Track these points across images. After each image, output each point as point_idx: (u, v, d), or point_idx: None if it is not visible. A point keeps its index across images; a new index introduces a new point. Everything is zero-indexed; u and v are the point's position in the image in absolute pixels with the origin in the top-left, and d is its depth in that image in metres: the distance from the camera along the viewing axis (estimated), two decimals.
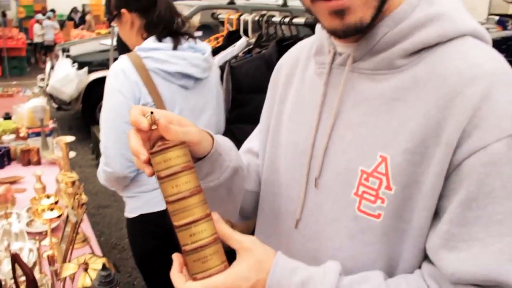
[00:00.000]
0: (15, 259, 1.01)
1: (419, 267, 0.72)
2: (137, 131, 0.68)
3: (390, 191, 0.69)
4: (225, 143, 0.82)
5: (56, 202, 1.78)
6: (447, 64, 0.67)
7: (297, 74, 0.90)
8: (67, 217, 1.63)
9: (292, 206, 0.84)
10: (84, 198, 1.59)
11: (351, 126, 0.75)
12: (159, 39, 1.70)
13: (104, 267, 1.11)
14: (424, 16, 0.69)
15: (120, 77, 1.62)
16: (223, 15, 2.67)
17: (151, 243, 1.82)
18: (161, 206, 1.71)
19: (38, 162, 2.65)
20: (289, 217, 0.85)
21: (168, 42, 1.70)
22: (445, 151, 0.65)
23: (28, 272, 0.98)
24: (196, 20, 6.78)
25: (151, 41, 1.69)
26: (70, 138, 1.92)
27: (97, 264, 1.30)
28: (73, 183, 1.70)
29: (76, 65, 5.40)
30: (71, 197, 1.68)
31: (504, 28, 10.32)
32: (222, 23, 2.79)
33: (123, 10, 1.72)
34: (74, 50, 5.80)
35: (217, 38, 2.59)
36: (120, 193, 1.83)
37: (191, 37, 1.77)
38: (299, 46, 0.96)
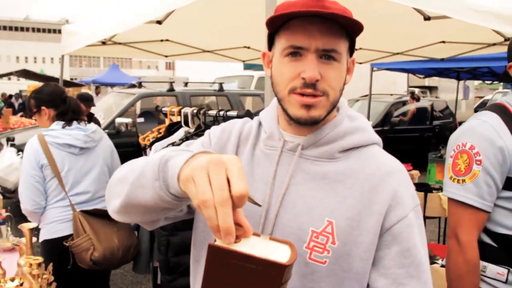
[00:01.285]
0: None
1: None
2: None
3: (334, 245, 0.99)
4: None
5: (21, 284, 1.96)
6: (370, 162, 1.05)
7: (247, 149, 1.13)
8: None
9: None
10: (51, 277, 1.80)
11: (300, 197, 1.03)
12: (58, 123, 2.64)
13: None
14: (353, 127, 1.08)
15: (28, 148, 2.58)
16: (166, 107, 3.04)
17: (50, 259, 2.39)
18: (55, 235, 2.60)
19: None
20: None
21: (59, 126, 2.61)
22: (378, 218, 0.99)
23: None
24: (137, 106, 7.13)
25: (53, 125, 2.64)
26: (33, 225, 2.14)
27: None
28: (39, 264, 1.91)
29: (21, 154, 5.51)
30: (38, 278, 1.88)
31: (416, 100, 11.34)
32: (165, 113, 3.16)
33: (43, 107, 2.67)
34: (19, 139, 5.93)
35: (159, 130, 2.96)
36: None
37: (82, 121, 2.72)
38: (248, 126, 1.18)
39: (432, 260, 4.11)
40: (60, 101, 2.68)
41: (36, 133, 2.71)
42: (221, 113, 2.53)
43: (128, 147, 5.90)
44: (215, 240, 0.75)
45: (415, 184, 5.11)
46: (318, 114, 1.00)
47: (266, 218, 1.04)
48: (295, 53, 0.99)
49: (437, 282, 4.10)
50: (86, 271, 2.61)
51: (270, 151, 1.10)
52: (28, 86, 20.96)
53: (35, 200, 2.55)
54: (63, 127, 2.62)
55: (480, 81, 15.85)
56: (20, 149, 5.83)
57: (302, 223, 1.01)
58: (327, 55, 0.99)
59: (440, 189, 4.84)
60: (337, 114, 1.09)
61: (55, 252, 2.58)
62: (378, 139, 1.12)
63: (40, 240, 2.67)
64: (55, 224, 2.61)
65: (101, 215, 2.59)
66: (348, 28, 1.00)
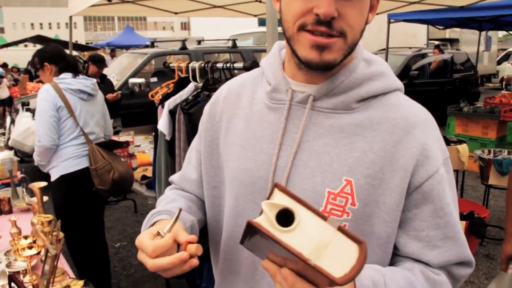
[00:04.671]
0: (12, 279, 1.24)
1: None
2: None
3: (354, 207, 0.88)
4: (185, 217, 0.99)
5: (34, 242, 1.98)
6: (395, 111, 0.91)
7: (242, 108, 1.02)
8: (46, 253, 1.84)
9: None
10: (61, 234, 1.81)
11: (314, 155, 0.90)
12: (67, 74, 3.05)
13: (86, 283, 1.34)
14: (371, 72, 0.93)
15: (45, 93, 2.91)
16: (174, 63, 2.99)
17: (66, 195, 3.00)
18: (71, 169, 2.98)
19: (10, 211, 2.81)
20: None
21: (69, 75, 3.03)
22: (403, 175, 0.87)
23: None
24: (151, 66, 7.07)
25: (63, 75, 3.03)
26: (43, 184, 2.14)
27: (77, 285, 1.52)
28: (49, 222, 1.92)
29: None
30: (49, 235, 1.90)
31: (441, 51, 11.03)
32: (174, 70, 3.10)
33: (46, 63, 3.05)
34: (34, 103, 5.95)
35: (168, 85, 2.92)
36: (44, 169, 3.06)
37: (81, 74, 3.17)
38: (237, 83, 1.09)
39: None
40: (60, 58, 3.09)
41: None
42: (228, 65, 2.46)
43: (142, 108, 5.90)
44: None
45: None
46: (333, 57, 0.85)
47: (273, 182, 0.93)
48: None
49: None
50: (94, 199, 3.14)
51: (277, 105, 0.96)
52: None
53: (52, 137, 2.90)
54: (73, 77, 3.05)
55: (504, 33, 15.30)
56: (35, 113, 5.89)
57: (317, 184, 0.89)
58: None
59: (458, 142, 4.74)
60: (353, 58, 0.94)
61: (73, 184, 3.02)
62: (400, 84, 0.97)
63: (55, 177, 3.02)
64: (72, 160, 3.01)
65: (108, 146, 3.15)
66: None
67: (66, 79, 3.02)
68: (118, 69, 7.35)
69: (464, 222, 3.82)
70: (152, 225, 0.94)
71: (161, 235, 0.83)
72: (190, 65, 2.69)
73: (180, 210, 0.87)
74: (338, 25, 0.82)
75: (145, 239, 0.83)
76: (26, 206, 2.84)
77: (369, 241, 0.88)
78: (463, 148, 4.47)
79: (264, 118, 0.98)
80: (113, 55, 16.24)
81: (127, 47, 18.28)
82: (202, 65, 2.61)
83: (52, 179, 3.03)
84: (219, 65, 2.53)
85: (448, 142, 4.68)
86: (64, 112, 2.96)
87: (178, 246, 0.85)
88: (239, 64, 2.43)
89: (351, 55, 0.91)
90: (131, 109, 6.08)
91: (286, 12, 0.87)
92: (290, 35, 0.87)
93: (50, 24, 60.27)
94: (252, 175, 0.96)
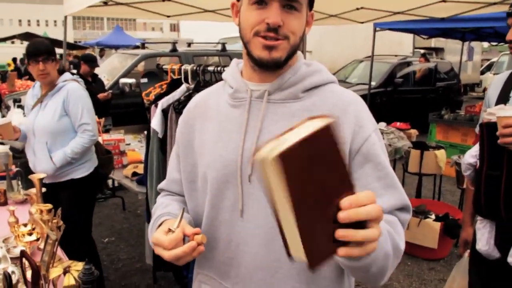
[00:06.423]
0: (23, 254, 1.37)
1: None
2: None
3: None
4: (185, 216, 1.16)
5: (33, 229, 2.12)
6: (332, 96, 1.18)
7: (211, 111, 1.26)
8: (46, 239, 1.97)
9: (231, 201, 1.16)
10: (61, 222, 1.94)
11: (273, 136, 1.10)
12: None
13: (86, 263, 1.48)
14: (310, 70, 1.20)
15: (82, 90, 3.08)
16: (167, 65, 3.14)
17: (94, 186, 3.28)
18: (96, 161, 3.26)
19: (5, 203, 2.92)
20: (232, 209, 1.16)
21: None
22: (344, 143, 1.09)
23: (33, 263, 1.34)
24: (140, 67, 7.19)
25: (69, 75, 3.15)
26: (43, 175, 2.27)
27: (77, 267, 1.66)
28: (49, 210, 2.05)
29: None
30: (48, 222, 2.03)
31: (427, 60, 11.29)
32: (166, 72, 3.25)
33: (57, 58, 3.09)
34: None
35: (161, 86, 3.07)
36: (69, 168, 3.06)
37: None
38: (204, 94, 1.34)
39: (426, 215, 4.27)
40: None
41: None
42: (219, 68, 2.62)
43: (132, 107, 6.03)
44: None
45: (413, 143, 5.22)
46: (279, 55, 1.10)
47: (242, 162, 1.15)
48: (261, 1, 1.09)
49: (429, 235, 4.28)
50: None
51: (239, 102, 1.20)
52: None
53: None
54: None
55: (489, 44, 15.61)
56: None
57: None
58: (289, 5, 1.09)
59: (437, 147, 4.95)
60: (295, 63, 1.20)
61: (98, 173, 3.29)
62: (334, 78, 1.24)
63: (89, 171, 3.17)
64: (94, 152, 3.27)
65: None
66: None
67: (79, 79, 3.22)
68: (108, 69, 7.45)
69: (439, 223, 4.02)
70: (159, 226, 1.16)
71: (172, 230, 1.04)
72: (183, 67, 2.84)
73: (184, 209, 1.10)
74: (282, 31, 1.09)
75: (160, 236, 1.05)
76: (21, 198, 2.95)
77: None
78: (441, 153, 4.68)
79: (230, 115, 1.21)
80: (102, 55, 16.27)
81: (117, 47, 18.32)
82: (194, 68, 2.76)
83: (84, 174, 3.15)
84: (210, 68, 2.69)
85: (427, 147, 4.88)
86: None
87: (183, 238, 1.06)
88: None
89: (294, 59, 1.18)
90: (121, 109, 6.20)
91: (244, 23, 1.13)
92: (248, 40, 1.12)
93: (38, 21, 59.63)
94: (224, 159, 1.17)
